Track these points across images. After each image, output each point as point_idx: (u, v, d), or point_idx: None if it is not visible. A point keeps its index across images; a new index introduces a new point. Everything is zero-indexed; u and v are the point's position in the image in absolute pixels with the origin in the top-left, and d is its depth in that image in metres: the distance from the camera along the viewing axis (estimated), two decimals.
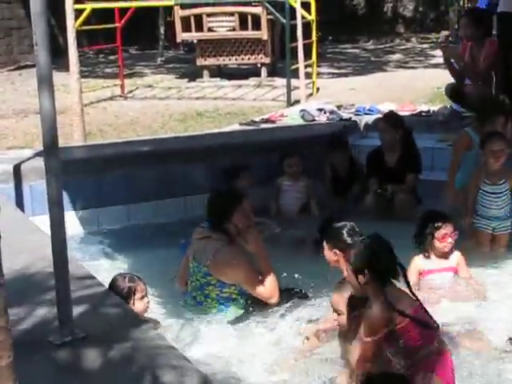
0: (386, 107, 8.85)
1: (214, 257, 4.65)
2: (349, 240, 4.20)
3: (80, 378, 2.99)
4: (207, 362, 4.03)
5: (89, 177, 6.51)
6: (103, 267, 5.56)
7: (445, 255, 5.07)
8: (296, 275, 5.02)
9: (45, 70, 3.12)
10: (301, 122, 8.62)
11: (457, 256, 5.12)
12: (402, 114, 8.49)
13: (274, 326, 4.53)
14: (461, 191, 5.99)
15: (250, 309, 4.72)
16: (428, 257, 5.07)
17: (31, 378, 2.99)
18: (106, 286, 4.15)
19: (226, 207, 4.75)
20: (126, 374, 2.99)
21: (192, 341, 4.33)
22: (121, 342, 3.21)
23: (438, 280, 5.04)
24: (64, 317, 3.27)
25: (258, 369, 4.07)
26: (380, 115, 8.19)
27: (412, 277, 4.77)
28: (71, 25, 8.67)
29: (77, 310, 3.41)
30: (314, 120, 8.58)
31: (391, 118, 7.06)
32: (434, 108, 8.83)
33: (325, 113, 8.74)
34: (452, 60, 8.01)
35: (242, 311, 4.72)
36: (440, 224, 5.02)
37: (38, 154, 6.38)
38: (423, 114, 8.56)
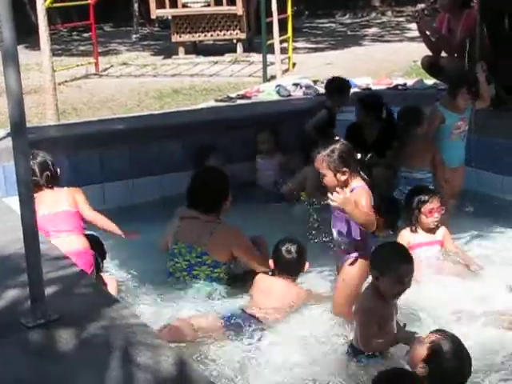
0: (362, 81, 8.82)
1: (212, 237, 4.73)
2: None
3: (53, 361, 2.95)
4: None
5: (62, 156, 6.41)
6: None
7: (432, 229, 5.15)
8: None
9: (10, 47, 3.03)
10: (276, 97, 8.56)
11: (442, 229, 5.20)
12: (378, 87, 8.49)
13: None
14: None
15: (234, 285, 4.81)
16: (415, 231, 5.15)
17: (3, 361, 2.96)
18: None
19: (223, 188, 4.85)
20: (100, 354, 2.95)
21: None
22: (94, 323, 3.17)
23: (427, 253, 5.08)
24: (36, 298, 3.21)
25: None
26: (357, 89, 8.15)
27: None
28: (41, 2, 8.52)
29: (50, 291, 3.36)
30: (289, 95, 8.52)
31: (367, 102, 6.89)
32: (410, 81, 8.81)
33: (301, 88, 8.68)
34: (428, 33, 7.96)
35: (227, 289, 4.78)
36: (427, 199, 5.09)
37: (10, 134, 6.26)
38: (399, 87, 8.53)
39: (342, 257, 4.39)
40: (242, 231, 4.89)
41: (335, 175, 4.22)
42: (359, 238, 4.26)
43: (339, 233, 4.34)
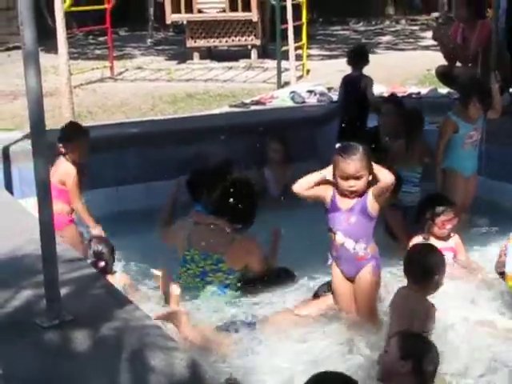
0: (376, 89, 8.82)
1: (232, 246, 4.81)
2: None
3: (67, 361, 2.99)
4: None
5: None
6: None
7: (443, 238, 5.18)
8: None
9: (31, 49, 3.09)
10: (291, 103, 8.59)
11: (455, 237, 5.22)
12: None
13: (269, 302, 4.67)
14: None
15: (243, 291, 4.85)
16: (427, 239, 5.16)
17: (18, 361, 3.00)
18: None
19: (254, 201, 4.96)
20: (113, 355, 2.98)
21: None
22: (108, 324, 3.21)
23: None
24: (52, 299, 3.25)
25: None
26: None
27: None
28: (59, 6, 8.60)
29: (65, 293, 3.40)
30: (304, 102, 8.56)
31: (395, 100, 7.01)
32: (424, 90, 8.82)
33: (315, 95, 8.71)
34: (444, 41, 7.96)
35: (237, 293, 4.84)
36: (440, 210, 5.09)
37: (26, 137, 6.32)
38: (413, 96, 8.54)
39: (358, 264, 4.26)
40: (259, 243, 4.96)
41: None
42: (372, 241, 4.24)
43: (356, 240, 4.21)
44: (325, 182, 4.22)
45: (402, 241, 5.47)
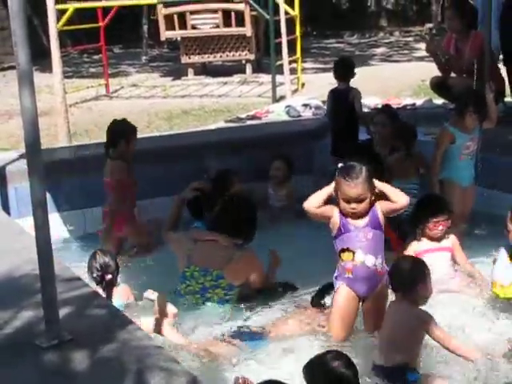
0: (370, 101, 8.84)
1: (232, 263, 4.78)
2: None
3: (67, 382, 2.96)
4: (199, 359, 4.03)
5: (76, 177, 6.46)
6: None
7: (437, 239, 5.13)
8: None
9: (25, 69, 3.08)
10: (286, 117, 8.60)
11: (452, 238, 5.18)
12: None
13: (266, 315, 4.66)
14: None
15: (241, 306, 4.83)
16: (419, 240, 5.14)
17: (18, 382, 2.97)
18: (93, 287, 4.12)
19: (254, 218, 4.93)
20: (113, 376, 2.96)
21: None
22: (108, 344, 3.19)
23: (436, 260, 5.01)
24: (50, 319, 3.23)
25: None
26: (366, 109, 8.18)
27: None
28: (53, 25, 8.62)
29: (63, 312, 3.38)
30: (299, 116, 8.57)
31: (389, 111, 7.04)
32: (419, 101, 8.83)
33: (310, 108, 8.73)
34: (438, 53, 7.97)
35: (237, 307, 4.82)
36: (432, 212, 5.06)
37: (22, 156, 6.32)
38: (408, 107, 8.56)
39: (378, 279, 4.21)
40: (259, 259, 4.94)
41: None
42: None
43: (376, 255, 4.15)
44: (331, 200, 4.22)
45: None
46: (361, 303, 4.28)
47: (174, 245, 5.10)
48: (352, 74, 7.22)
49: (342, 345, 4.10)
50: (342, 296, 4.23)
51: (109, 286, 4.67)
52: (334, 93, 7.30)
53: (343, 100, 7.12)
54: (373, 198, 4.15)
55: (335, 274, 4.27)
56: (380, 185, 4.22)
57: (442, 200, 5.36)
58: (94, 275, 4.64)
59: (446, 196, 5.91)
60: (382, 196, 4.22)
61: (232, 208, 4.98)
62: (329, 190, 4.21)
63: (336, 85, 7.28)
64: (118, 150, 5.86)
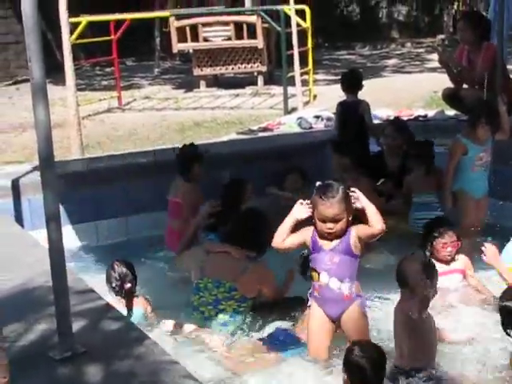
0: (383, 113, 8.85)
1: (245, 275, 4.78)
2: None
3: None
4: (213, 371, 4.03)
5: (88, 190, 6.49)
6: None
7: (446, 262, 5.12)
8: None
9: (39, 84, 3.12)
10: (298, 129, 8.61)
11: (463, 259, 5.15)
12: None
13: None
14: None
15: (253, 318, 4.83)
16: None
17: None
18: (106, 299, 4.13)
19: (268, 232, 4.77)
20: None
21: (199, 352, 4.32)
22: (122, 357, 3.19)
23: (446, 283, 5.02)
24: (64, 332, 3.25)
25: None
26: (378, 121, 8.19)
27: None
28: (66, 39, 8.67)
29: (77, 325, 3.39)
30: (311, 127, 8.57)
31: (399, 123, 7.05)
32: (431, 112, 8.82)
33: (322, 120, 8.73)
34: (450, 64, 7.97)
35: (248, 319, 4.82)
36: (440, 233, 5.05)
37: (36, 168, 6.36)
38: (420, 118, 8.55)
39: (344, 304, 4.15)
40: (272, 271, 4.94)
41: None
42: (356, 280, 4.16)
43: (341, 280, 4.09)
44: (300, 224, 4.16)
45: None
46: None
47: (186, 261, 5.10)
48: (360, 86, 7.21)
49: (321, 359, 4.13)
50: (313, 315, 4.24)
51: (128, 295, 4.70)
52: (342, 106, 7.30)
53: (352, 113, 7.12)
54: (350, 218, 4.06)
55: (310, 291, 4.26)
56: (365, 203, 4.08)
57: (450, 222, 5.33)
58: (113, 285, 4.68)
59: (459, 207, 5.91)
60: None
61: (245, 222, 5.01)
62: (290, 220, 4.17)
63: (345, 97, 7.29)
64: (192, 173, 6.14)
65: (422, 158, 6.39)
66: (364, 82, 7.33)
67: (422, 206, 6.29)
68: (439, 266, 5.04)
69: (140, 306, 4.79)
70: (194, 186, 6.14)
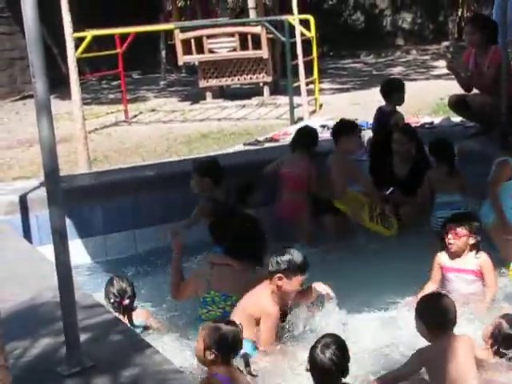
0: None
1: (248, 286, 4.71)
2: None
3: None
4: None
5: (95, 204, 6.50)
6: None
7: (457, 254, 4.97)
8: None
9: (43, 100, 3.13)
10: None
11: (478, 260, 4.95)
12: None
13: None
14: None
15: None
16: (446, 252, 5.04)
17: None
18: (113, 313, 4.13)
19: (265, 242, 4.96)
20: None
21: None
22: (130, 370, 3.19)
23: (458, 280, 4.96)
24: (71, 346, 3.24)
25: None
26: None
27: (435, 272, 5.02)
28: (71, 53, 8.69)
29: (85, 339, 3.39)
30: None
31: (408, 130, 7.04)
32: (437, 119, 8.80)
33: (328, 129, 8.71)
34: (458, 70, 7.90)
35: None
36: (447, 222, 5.02)
37: (43, 184, 6.33)
38: (426, 126, 8.53)
39: None
40: None
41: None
42: None
43: None
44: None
45: None
46: None
47: (185, 292, 5.06)
48: (393, 96, 7.20)
49: None
50: None
51: (126, 311, 4.68)
52: (378, 112, 7.33)
53: (384, 122, 7.11)
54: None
55: None
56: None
57: (471, 216, 5.14)
58: (112, 301, 4.65)
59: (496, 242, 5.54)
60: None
61: (247, 234, 5.00)
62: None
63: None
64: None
65: (444, 155, 6.30)
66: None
67: (445, 206, 6.08)
68: (453, 262, 4.98)
69: (140, 318, 4.77)
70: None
